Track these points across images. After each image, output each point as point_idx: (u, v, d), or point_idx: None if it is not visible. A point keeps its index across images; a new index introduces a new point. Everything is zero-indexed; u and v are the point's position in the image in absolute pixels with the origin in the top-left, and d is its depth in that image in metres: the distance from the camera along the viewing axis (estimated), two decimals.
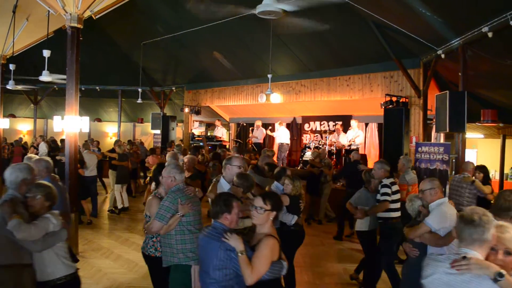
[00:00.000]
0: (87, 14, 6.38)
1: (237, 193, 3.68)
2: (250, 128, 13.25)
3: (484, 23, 5.73)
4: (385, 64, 9.50)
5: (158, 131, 15.29)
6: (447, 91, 6.74)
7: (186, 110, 14.91)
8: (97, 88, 16.18)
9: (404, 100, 8.95)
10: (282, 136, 12.25)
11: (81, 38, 6.15)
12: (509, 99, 7.88)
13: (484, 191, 5.86)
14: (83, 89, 13.97)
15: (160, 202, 3.57)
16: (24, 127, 18.22)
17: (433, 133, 9.27)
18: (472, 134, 10.06)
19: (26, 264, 2.95)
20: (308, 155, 10.87)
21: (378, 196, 5.01)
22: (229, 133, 15.72)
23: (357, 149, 9.73)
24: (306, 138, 12.67)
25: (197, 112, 15.05)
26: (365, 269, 5.31)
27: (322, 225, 8.79)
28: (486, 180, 6.15)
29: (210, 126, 16.83)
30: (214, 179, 4.37)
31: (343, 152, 10.80)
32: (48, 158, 4.26)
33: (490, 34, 5.68)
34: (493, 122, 7.87)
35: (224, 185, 4.10)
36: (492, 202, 5.66)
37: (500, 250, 2.07)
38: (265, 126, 13.34)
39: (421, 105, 8.98)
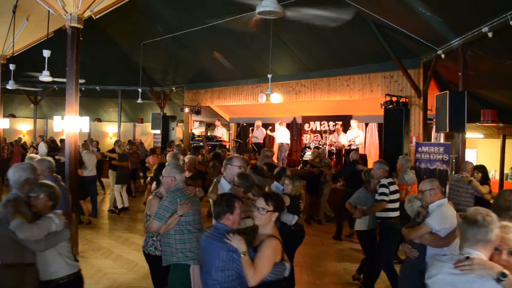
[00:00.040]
0: (87, 14, 6.38)
1: (238, 193, 3.70)
2: (250, 128, 13.25)
3: (484, 23, 5.74)
4: (385, 64, 9.51)
5: (158, 131, 15.26)
6: (447, 91, 6.75)
7: (186, 110, 14.90)
8: (97, 88, 16.17)
9: (404, 100, 8.96)
10: (282, 136, 12.24)
11: (81, 38, 6.15)
12: (509, 99, 7.89)
13: (481, 191, 5.85)
14: (83, 89, 13.96)
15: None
16: (24, 127, 18.20)
17: (433, 133, 9.27)
18: (472, 134, 10.08)
19: (29, 264, 2.95)
20: (308, 155, 10.88)
21: (376, 196, 5.01)
22: (229, 133, 15.71)
23: (356, 149, 9.72)
24: (306, 138, 12.68)
25: (197, 112, 15.04)
26: (364, 268, 5.32)
27: (322, 225, 8.80)
28: (485, 180, 6.14)
29: (210, 126, 16.81)
30: (215, 180, 4.37)
31: (343, 152, 10.79)
32: (50, 158, 4.27)
33: (490, 34, 5.69)
34: (493, 122, 7.89)
35: (224, 185, 4.10)
36: (490, 202, 5.68)
37: (504, 251, 2.07)
38: (265, 126, 13.33)
39: (421, 105, 8.98)
